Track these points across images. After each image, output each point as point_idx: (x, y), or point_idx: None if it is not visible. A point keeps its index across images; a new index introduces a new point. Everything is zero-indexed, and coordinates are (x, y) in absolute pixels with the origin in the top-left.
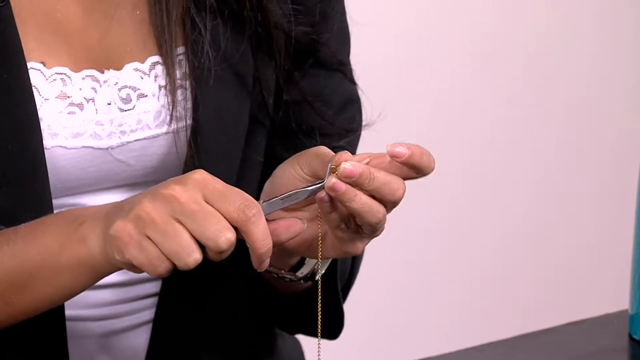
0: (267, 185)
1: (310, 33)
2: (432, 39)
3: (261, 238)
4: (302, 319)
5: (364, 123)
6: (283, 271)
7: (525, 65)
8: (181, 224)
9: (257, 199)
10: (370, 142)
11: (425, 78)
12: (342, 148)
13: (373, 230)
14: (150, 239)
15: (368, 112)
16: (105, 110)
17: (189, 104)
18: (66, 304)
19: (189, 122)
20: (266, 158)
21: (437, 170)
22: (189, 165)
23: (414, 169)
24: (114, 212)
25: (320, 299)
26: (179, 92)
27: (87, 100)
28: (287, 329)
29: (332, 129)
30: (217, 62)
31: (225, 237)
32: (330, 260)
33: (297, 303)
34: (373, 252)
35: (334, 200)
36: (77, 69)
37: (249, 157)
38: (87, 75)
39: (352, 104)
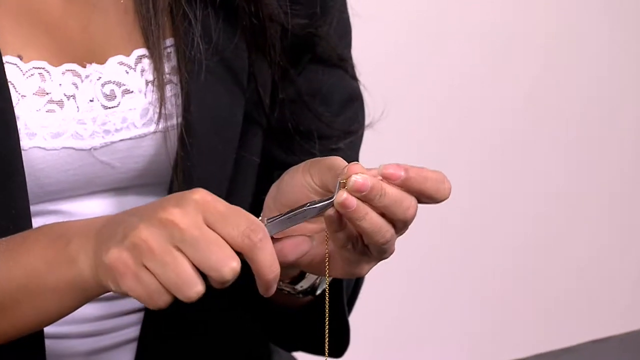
0: (274, 189)
1: (308, 26)
2: (440, 32)
3: (268, 264)
4: (303, 335)
5: (366, 122)
6: (282, 282)
7: (540, 60)
8: (181, 252)
9: (253, 202)
10: (372, 143)
11: (432, 74)
12: (342, 150)
13: (381, 252)
14: (149, 270)
15: (370, 110)
16: (88, 108)
17: (179, 101)
18: None
19: (179, 120)
20: (263, 159)
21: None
22: (179, 167)
23: (419, 196)
24: (106, 233)
25: (325, 313)
26: (167, 87)
27: (68, 97)
28: (285, 346)
29: (330, 131)
30: (208, 55)
31: (229, 267)
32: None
33: (298, 317)
34: (382, 267)
35: (342, 219)
36: (56, 63)
37: (243, 157)
38: (68, 70)
39: (353, 101)
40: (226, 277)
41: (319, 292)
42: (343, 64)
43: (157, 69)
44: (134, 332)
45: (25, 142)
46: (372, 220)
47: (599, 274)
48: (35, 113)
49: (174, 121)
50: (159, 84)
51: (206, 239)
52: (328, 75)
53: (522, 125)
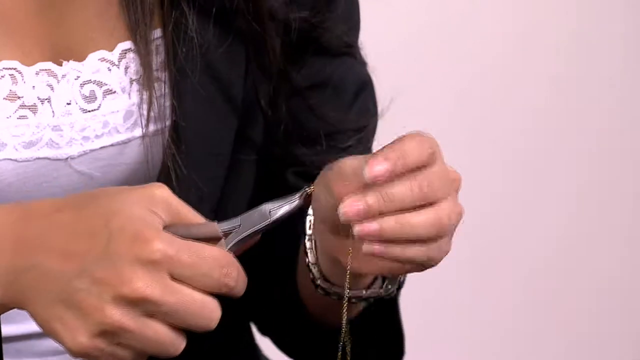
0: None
1: (311, 17)
2: (462, 13)
3: (243, 289)
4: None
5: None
6: (364, 291)
7: (570, 50)
8: (159, 319)
9: (253, 200)
10: (381, 134)
11: (446, 65)
12: (353, 147)
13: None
14: (126, 345)
15: (380, 99)
16: (64, 112)
17: (168, 101)
18: (7, 353)
19: (167, 123)
20: (263, 151)
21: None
22: (167, 176)
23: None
24: (26, 278)
25: (377, 319)
26: (155, 86)
27: (42, 101)
28: None
29: (338, 132)
30: (203, 50)
31: (215, 321)
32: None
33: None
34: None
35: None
36: (29, 62)
37: (239, 160)
38: (42, 70)
39: (364, 89)
40: (212, 329)
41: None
42: (350, 51)
43: (144, 64)
44: None
45: None
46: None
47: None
48: (5, 121)
49: (161, 124)
50: (147, 81)
51: (184, 304)
52: (335, 65)
53: (544, 123)
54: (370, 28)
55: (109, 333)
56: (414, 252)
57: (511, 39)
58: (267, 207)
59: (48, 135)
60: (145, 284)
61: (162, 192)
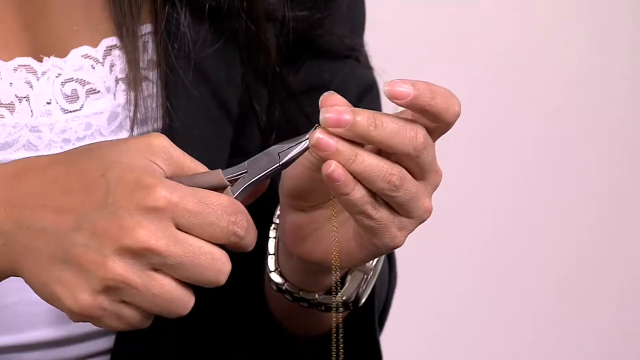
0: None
1: (309, 17)
2: (468, 14)
3: (253, 241)
4: None
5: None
6: (318, 295)
7: (578, 51)
8: (164, 273)
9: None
10: None
11: (457, 64)
12: None
13: (402, 205)
14: (131, 303)
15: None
16: (44, 112)
17: (158, 102)
18: None
19: (158, 125)
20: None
21: (471, 190)
22: None
23: (427, 116)
24: (20, 239)
25: (352, 334)
26: (143, 85)
27: (20, 99)
28: None
29: None
30: (196, 48)
31: (224, 274)
32: (361, 275)
33: (318, 348)
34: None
35: (348, 176)
36: (7, 57)
37: (236, 163)
38: (21, 65)
39: (367, 94)
40: (221, 283)
41: (363, 301)
42: (353, 54)
43: (131, 62)
44: None
45: None
46: (365, 162)
47: None
48: None
49: (150, 127)
50: (133, 81)
51: (191, 255)
52: (336, 69)
53: (556, 124)
54: (376, 28)
55: (112, 289)
56: (363, 196)
57: (520, 40)
58: (275, 149)
59: (26, 136)
60: (148, 233)
61: (161, 141)
